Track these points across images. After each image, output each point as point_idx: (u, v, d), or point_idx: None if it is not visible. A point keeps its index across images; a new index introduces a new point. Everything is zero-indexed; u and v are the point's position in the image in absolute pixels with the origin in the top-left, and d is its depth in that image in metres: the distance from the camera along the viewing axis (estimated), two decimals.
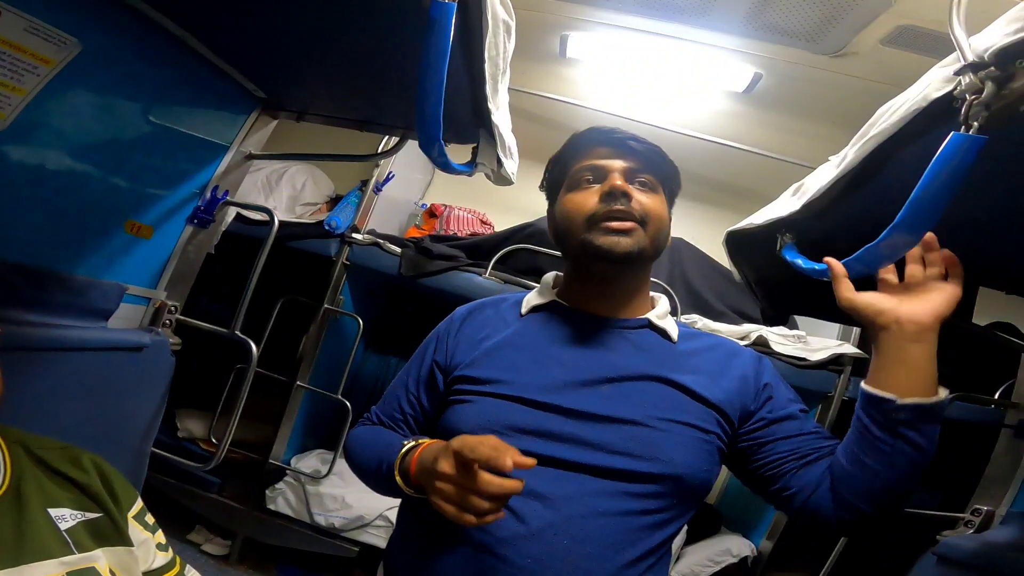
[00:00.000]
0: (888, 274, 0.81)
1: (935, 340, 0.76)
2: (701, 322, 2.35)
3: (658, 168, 0.94)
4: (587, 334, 0.93)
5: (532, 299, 1.00)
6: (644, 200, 0.90)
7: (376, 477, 0.89)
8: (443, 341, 0.99)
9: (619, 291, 0.95)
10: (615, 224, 0.87)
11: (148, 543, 0.95)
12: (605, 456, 0.82)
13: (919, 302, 0.76)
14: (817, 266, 0.92)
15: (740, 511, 2.63)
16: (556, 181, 0.98)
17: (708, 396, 0.87)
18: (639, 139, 0.93)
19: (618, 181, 0.89)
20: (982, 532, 1.45)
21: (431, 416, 0.97)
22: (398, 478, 0.82)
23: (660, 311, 0.97)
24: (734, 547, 2.40)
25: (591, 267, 0.92)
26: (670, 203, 0.97)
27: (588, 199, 0.90)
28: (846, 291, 0.81)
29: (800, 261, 1.01)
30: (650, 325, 0.95)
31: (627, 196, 0.88)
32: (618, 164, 0.91)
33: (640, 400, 0.86)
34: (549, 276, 1.03)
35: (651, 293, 1.00)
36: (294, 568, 2.54)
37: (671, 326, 0.96)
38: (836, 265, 0.83)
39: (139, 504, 0.98)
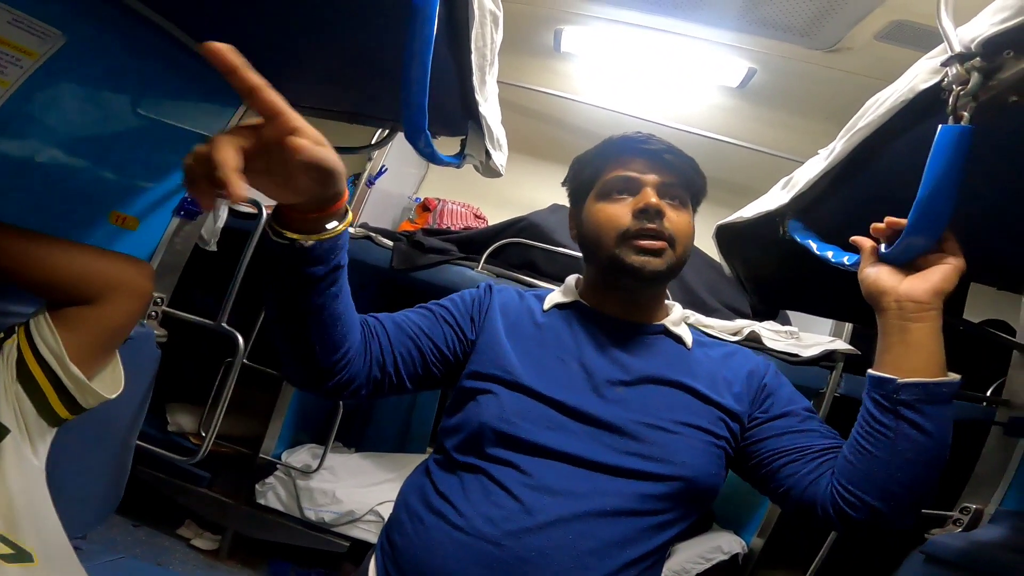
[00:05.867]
0: None
1: (937, 318, 0.74)
2: (694, 318, 2.35)
3: (691, 183, 0.94)
4: (607, 337, 0.94)
5: (556, 297, 1.01)
6: (675, 218, 0.90)
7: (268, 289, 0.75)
8: (484, 307, 0.98)
9: (640, 301, 0.96)
10: (645, 243, 0.88)
11: None
12: (620, 456, 0.83)
13: (919, 280, 0.74)
14: (830, 249, 0.91)
15: (732, 508, 2.63)
16: (584, 184, 0.97)
17: (720, 400, 0.89)
18: (674, 151, 0.93)
19: (652, 199, 0.88)
20: (971, 531, 1.44)
21: (442, 351, 0.93)
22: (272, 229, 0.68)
23: (675, 317, 0.99)
24: (725, 544, 2.40)
25: (618, 281, 0.93)
26: (695, 213, 0.97)
27: (621, 213, 0.90)
28: (865, 265, 0.79)
29: (812, 243, 0.98)
30: (666, 331, 0.97)
31: (660, 214, 0.89)
32: (652, 178, 0.91)
33: (656, 403, 0.88)
34: (571, 279, 1.04)
35: (665, 301, 1.02)
36: (284, 563, 2.53)
37: (685, 333, 0.98)
38: (864, 242, 0.80)
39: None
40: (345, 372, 0.81)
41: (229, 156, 0.49)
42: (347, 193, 0.66)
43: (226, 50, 0.50)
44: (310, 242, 0.67)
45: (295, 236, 0.66)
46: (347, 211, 0.69)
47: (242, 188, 0.49)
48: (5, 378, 0.90)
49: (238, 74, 0.51)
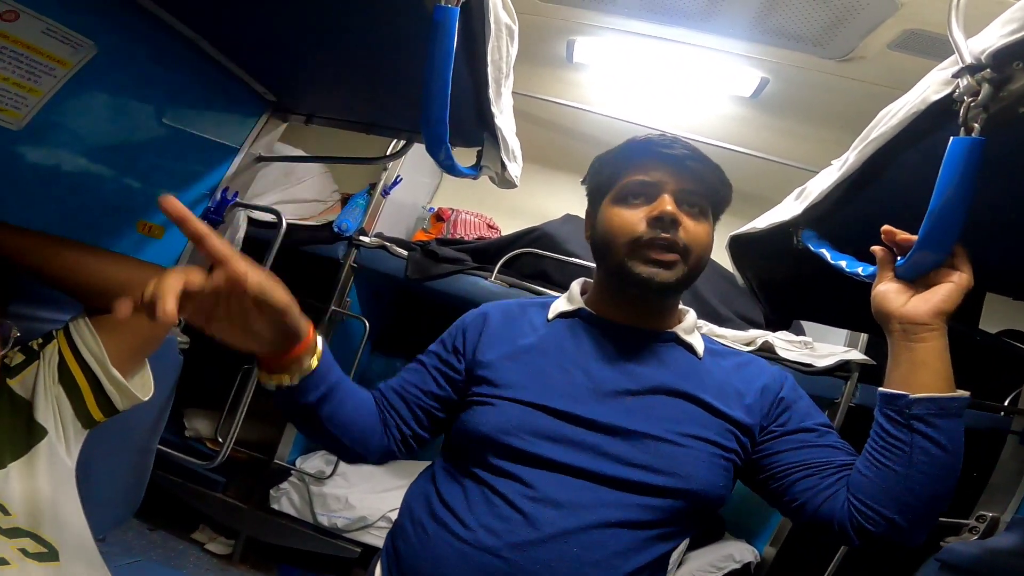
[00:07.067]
0: None
1: (941, 337, 0.74)
2: (707, 328, 2.35)
3: (713, 192, 0.91)
4: (613, 345, 0.93)
5: (560, 305, 0.99)
6: (692, 228, 0.87)
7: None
8: (471, 332, 0.98)
9: (650, 309, 0.94)
10: (657, 254, 0.86)
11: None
12: (624, 468, 0.82)
13: (921, 300, 0.75)
14: (844, 259, 0.91)
15: (744, 517, 2.62)
16: (603, 185, 0.94)
17: (729, 413, 0.88)
18: (698, 157, 0.90)
19: (668, 207, 0.85)
20: (986, 538, 1.44)
21: (437, 396, 0.97)
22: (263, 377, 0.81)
23: (687, 325, 0.96)
24: (737, 553, 2.39)
25: (626, 290, 0.91)
26: (715, 223, 0.95)
27: (635, 219, 0.87)
28: (880, 279, 0.79)
29: (826, 251, 0.97)
30: (677, 339, 0.94)
31: (676, 223, 0.85)
32: (671, 185, 0.87)
33: (662, 414, 0.86)
34: (576, 284, 1.02)
35: (679, 306, 0.99)
36: (295, 568, 2.54)
37: (697, 341, 0.96)
38: (881, 252, 0.80)
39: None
40: (376, 448, 0.93)
41: (172, 281, 0.57)
42: (312, 329, 0.76)
43: (177, 206, 0.60)
44: (295, 382, 0.78)
45: (279, 379, 0.78)
46: (316, 344, 0.78)
47: (172, 306, 0.55)
48: (47, 381, 0.93)
49: (188, 225, 0.61)
